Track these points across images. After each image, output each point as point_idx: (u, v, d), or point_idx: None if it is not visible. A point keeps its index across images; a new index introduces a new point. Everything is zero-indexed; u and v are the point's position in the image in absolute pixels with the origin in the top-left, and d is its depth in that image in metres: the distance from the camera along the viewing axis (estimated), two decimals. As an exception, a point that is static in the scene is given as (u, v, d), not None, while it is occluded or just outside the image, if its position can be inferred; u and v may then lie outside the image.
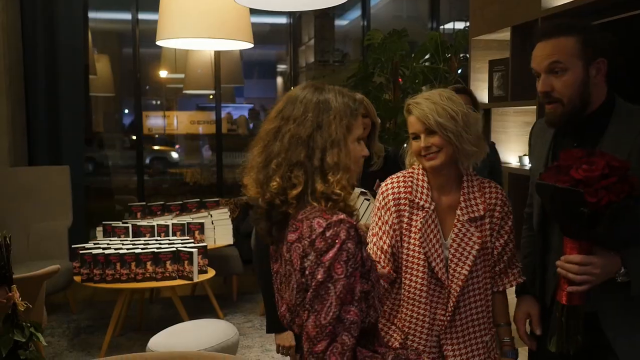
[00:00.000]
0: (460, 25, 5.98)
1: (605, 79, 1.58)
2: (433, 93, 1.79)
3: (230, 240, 4.47)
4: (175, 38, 3.31)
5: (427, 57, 5.06)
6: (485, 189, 1.81)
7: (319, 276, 1.20)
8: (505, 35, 3.39)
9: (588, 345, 1.56)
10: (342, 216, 1.23)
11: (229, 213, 4.49)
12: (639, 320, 1.52)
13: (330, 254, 1.20)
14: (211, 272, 3.90)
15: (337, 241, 1.20)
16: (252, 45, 3.50)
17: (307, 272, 1.23)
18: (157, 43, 3.46)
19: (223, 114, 9.65)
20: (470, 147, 1.73)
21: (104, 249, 3.76)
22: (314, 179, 1.27)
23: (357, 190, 2.45)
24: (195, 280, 3.75)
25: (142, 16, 5.83)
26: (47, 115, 5.15)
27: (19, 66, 5.07)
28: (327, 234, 1.21)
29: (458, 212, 1.76)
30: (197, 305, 4.70)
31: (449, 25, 7.35)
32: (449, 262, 1.75)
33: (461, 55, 4.75)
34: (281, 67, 10.53)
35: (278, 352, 2.25)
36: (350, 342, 1.19)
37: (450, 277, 1.74)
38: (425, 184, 1.80)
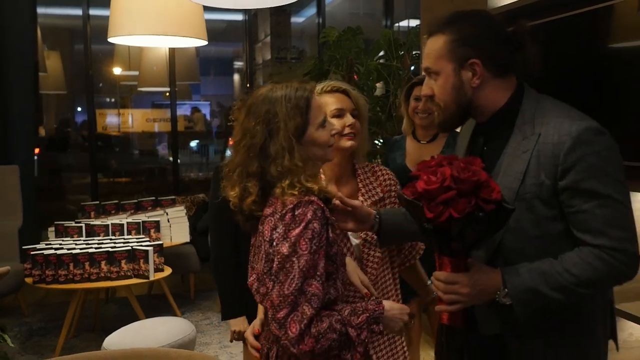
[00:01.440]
0: (415, 22, 6.09)
1: (503, 75, 1.41)
2: (344, 83, 1.85)
3: (187, 238, 4.45)
4: (127, 35, 3.28)
5: (381, 54, 5.13)
6: (378, 173, 1.89)
7: (284, 250, 1.30)
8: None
9: None
10: (313, 198, 1.33)
11: (185, 211, 4.47)
12: (551, 348, 1.39)
13: (297, 230, 1.30)
14: (167, 270, 3.88)
15: (304, 220, 1.30)
16: (206, 43, 3.50)
17: (274, 244, 1.33)
18: (109, 40, 3.42)
19: (187, 111, 9.55)
20: (367, 141, 1.86)
21: (56, 249, 3.69)
22: (271, 184, 1.37)
23: None
24: (152, 278, 3.72)
25: (93, 12, 5.73)
26: (-4, 113, 5.01)
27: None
28: (296, 212, 1.31)
29: (360, 198, 1.81)
30: (154, 304, 4.67)
31: (405, 23, 7.48)
32: (362, 247, 1.79)
33: (414, 52, 4.84)
34: (238, 64, 10.49)
35: (232, 339, 2.29)
36: (309, 312, 1.27)
37: (365, 261, 1.78)
38: (323, 177, 1.83)
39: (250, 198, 1.38)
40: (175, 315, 4.31)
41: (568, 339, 1.40)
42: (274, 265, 1.31)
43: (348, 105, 1.79)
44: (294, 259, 1.29)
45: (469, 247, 1.31)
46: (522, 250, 1.35)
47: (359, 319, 1.32)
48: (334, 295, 1.37)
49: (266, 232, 1.36)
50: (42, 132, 8.79)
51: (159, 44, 3.72)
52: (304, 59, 7.71)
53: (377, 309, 1.35)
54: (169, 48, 5.89)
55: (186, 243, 4.53)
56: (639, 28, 2.23)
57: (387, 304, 1.38)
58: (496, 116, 1.43)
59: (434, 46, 1.41)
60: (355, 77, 5.25)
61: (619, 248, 1.27)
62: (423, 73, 1.54)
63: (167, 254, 4.14)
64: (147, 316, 3.62)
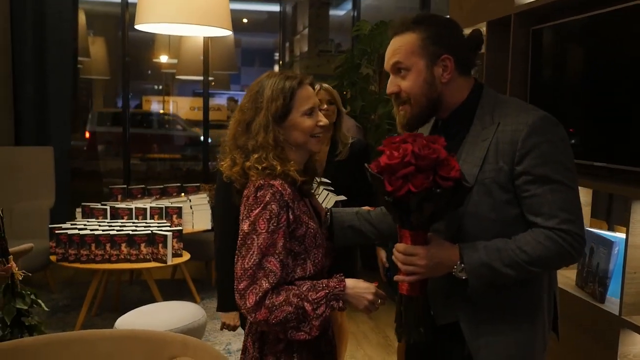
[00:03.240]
0: (452, 18, 5.96)
1: (467, 73, 1.50)
2: None
3: (209, 225, 4.51)
4: (153, 23, 3.33)
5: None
6: None
7: (245, 228, 1.42)
8: (482, 29, 3.40)
9: (453, 356, 1.54)
10: (274, 182, 1.44)
11: (208, 198, 4.53)
12: (501, 331, 1.47)
13: (256, 210, 1.42)
14: (186, 256, 3.94)
15: (263, 201, 1.42)
16: (230, 33, 3.53)
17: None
18: (136, 27, 3.49)
19: (225, 101, 9.67)
20: None
21: (80, 229, 3.81)
22: (249, 158, 1.49)
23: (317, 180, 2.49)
24: (169, 263, 3.80)
25: None
26: (35, 96, 5.18)
27: (7, 47, 5.10)
28: (258, 194, 1.43)
29: None
30: (175, 288, 4.76)
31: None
32: None
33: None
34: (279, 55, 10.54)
35: (222, 328, 2.38)
36: (265, 286, 1.38)
37: None
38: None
39: (236, 167, 1.51)
40: (194, 300, 4.38)
41: (517, 324, 1.48)
42: (238, 241, 1.44)
43: None
44: (254, 236, 1.40)
45: (428, 221, 1.38)
46: (480, 234, 1.42)
47: (317, 295, 1.40)
48: (299, 275, 1.46)
49: (242, 211, 1.49)
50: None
51: (184, 32, 3.77)
52: (343, 52, 7.67)
53: (337, 286, 1.43)
54: (204, 37, 5.96)
55: (209, 230, 4.60)
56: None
57: (350, 282, 1.46)
58: (457, 111, 1.51)
59: (403, 43, 1.47)
60: (386, 71, 5.19)
61: (567, 230, 1.37)
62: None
63: (190, 240, 4.21)
64: (167, 300, 3.69)
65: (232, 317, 2.31)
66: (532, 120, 1.39)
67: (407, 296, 1.43)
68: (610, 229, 2.94)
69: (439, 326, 1.53)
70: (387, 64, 1.51)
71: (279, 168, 1.45)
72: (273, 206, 1.41)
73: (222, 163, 1.55)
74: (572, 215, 1.38)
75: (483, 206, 1.41)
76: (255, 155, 1.46)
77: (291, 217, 1.44)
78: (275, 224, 1.40)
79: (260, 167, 1.45)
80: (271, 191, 1.42)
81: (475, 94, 1.50)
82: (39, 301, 2.40)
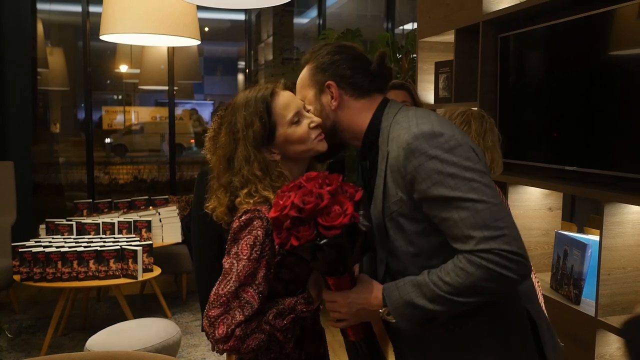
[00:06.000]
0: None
1: (364, 96, 1.41)
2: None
3: (179, 238, 4.43)
4: (118, 33, 3.25)
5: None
6: None
7: (232, 251, 1.32)
8: (450, 37, 3.44)
9: None
10: (262, 208, 1.33)
11: (177, 211, 4.44)
12: None
13: (241, 235, 1.31)
14: (157, 271, 3.85)
15: (249, 225, 1.31)
16: (198, 42, 3.47)
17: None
18: (101, 38, 3.40)
19: (180, 110, 9.55)
20: None
21: (45, 247, 3.68)
22: (236, 194, 1.38)
23: None
24: (140, 278, 3.70)
25: (94, 9, 5.72)
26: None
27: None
28: (243, 218, 1.32)
29: None
30: (145, 304, 4.65)
31: (409, 26, 7.43)
32: None
33: (412, 55, 4.79)
34: (242, 64, 10.48)
35: (213, 350, 2.27)
36: (239, 318, 1.28)
37: None
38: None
39: (220, 209, 1.40)
40: (165, 316, 4.29)
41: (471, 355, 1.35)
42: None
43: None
44: (235, 261, 1.30)
45: (341, 267, 1.26)
46: (405, 270, 1.32)
47: (285, 322, 1.32)
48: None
49: (228, 241, 1.38)
50: (55, 129, 8.79)
51: (151, 42, 3.69)
52: (307, 60, 7.64)
53: (305, 309, 1.34)
54: (168, 47, 5.87)
55: (178, 243, 4.51)
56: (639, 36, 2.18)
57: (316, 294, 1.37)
58: (365, 138, 1.41)
59: (299, 78, 1.45)
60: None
61: (488, 249, 1.18)
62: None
63: (159, 254, 4.11)
64: (138, 316, 3.59)
65: None
66: (405, 143, 1.26)
67: (348, 340, 1.38)
68: (580, 230, 3.01)
69: None
70: None
71: (272, 197, 1.33)
72: (259, 232, 1.30)
73: (207, 204, 1.45)
74: (491, 231, 1.19)
75: (399, 241, 1.32)
76: (244, 191, 1.35)
77: (277, 246, 1.33)
78: (258, 252, 1.29)
79: (252, 202, 1.34)
80: (259, 217, 1.31)
81: (376, 119, 1.39)
82: (1, 327, 2.29)
